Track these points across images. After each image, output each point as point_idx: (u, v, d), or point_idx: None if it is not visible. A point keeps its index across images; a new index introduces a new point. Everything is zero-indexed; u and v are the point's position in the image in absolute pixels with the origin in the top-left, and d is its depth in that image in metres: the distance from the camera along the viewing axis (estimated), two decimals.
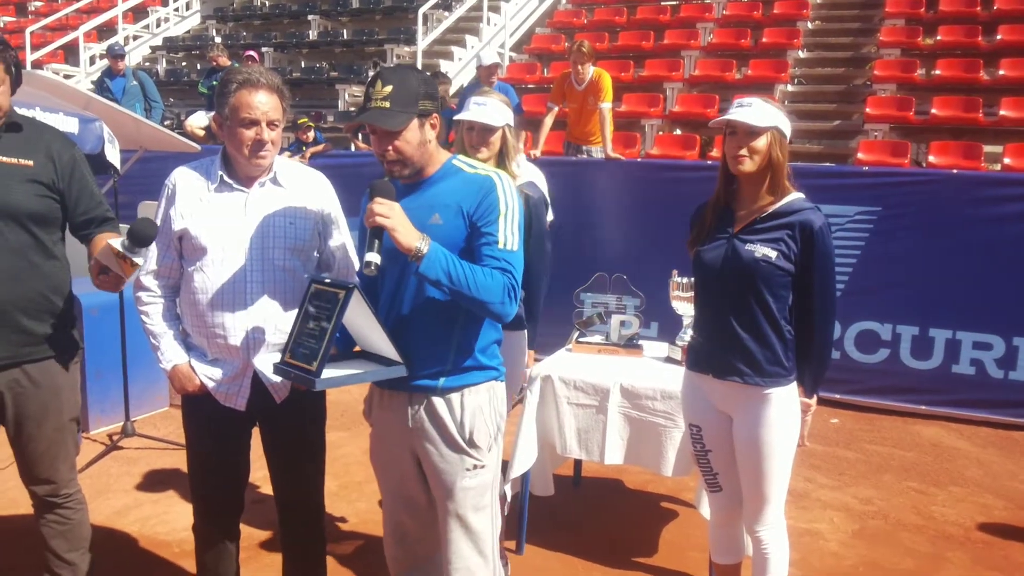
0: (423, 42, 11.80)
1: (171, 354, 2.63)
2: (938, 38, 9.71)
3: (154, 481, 4.50)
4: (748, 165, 2.60)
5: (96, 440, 5.07)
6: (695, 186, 5.50)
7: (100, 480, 4.49)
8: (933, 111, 8.67)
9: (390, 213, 2.16)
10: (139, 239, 2.31)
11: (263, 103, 2.48)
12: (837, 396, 5.97)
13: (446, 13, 12.87)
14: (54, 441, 2.68)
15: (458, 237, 2.28)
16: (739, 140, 2.60)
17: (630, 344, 4.01)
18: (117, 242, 2.31)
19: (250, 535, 3.78)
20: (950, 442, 5.45)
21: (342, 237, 2.73)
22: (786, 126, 2.61)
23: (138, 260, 2.32)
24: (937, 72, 9.24)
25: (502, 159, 3.15)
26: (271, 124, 2.51)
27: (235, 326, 2.56)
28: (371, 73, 11.43)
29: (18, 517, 3.78)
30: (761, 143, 2.58)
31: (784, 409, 2.67)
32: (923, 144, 8.49)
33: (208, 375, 2.62)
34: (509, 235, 2.29)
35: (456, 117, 3.26)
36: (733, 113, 2.61)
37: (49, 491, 2.73)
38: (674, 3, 12.24)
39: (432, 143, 2.34)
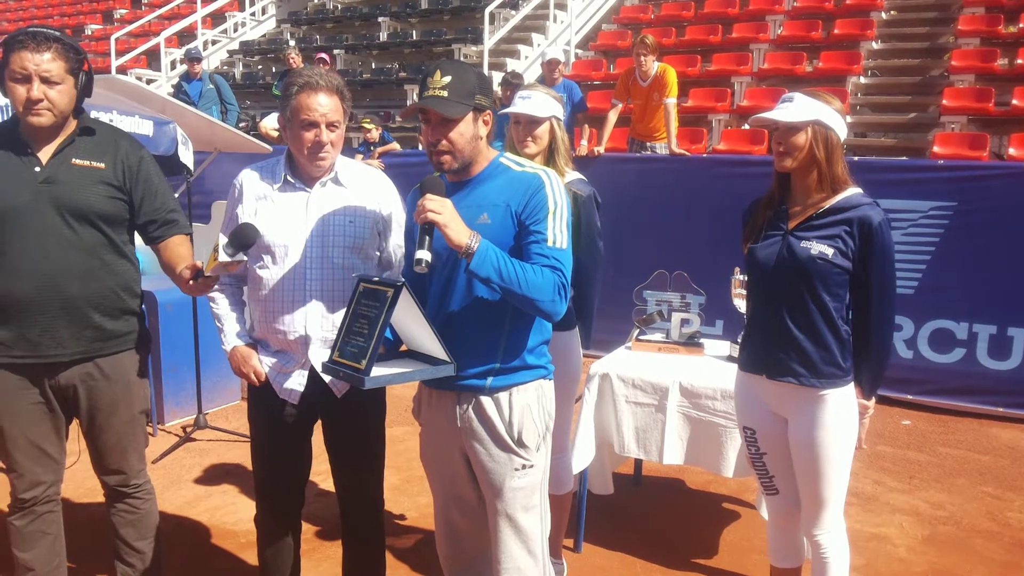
0: (490, 41, 11.85)
1: (231, 336, 2.75)
2: (1020, 26, 9.32)
3: (223, 472, 4.65)
4: (788, 162, 2.57)
5: (170, 432, 5.26)
6: (762, 181, 5.35)
7: (173, 471, 4.66)
8: (1014, 102, 8.34)
9: (442, 209, 2.14)
10: (239, 243, 2.37)
11: (322, 105, 2.53)
12: (909, 397, 5.80)
13: (513, 12, 12.90)
14: (124, 433, 2.79)
15: (507, 236, 2.27)
16: (779, 137, 2.57)
17: (691, 342, 3.95)
18: (223, 253, 2.36)
19: (312, 527, 3.87)
20: None
21: (402, 236, 2.75)
22: (831, 118, 2.54)
23: (241, 258, 2.39)
24: (1020, 61, 8.88)
25: (552, 154, 3.12)
26: (331, 126, 2.57)
27: (294, 322, 2.63)
28: None
29: (95, 505, 3.94)
30: (800, 139, 2.54)
31: (841, 411, 2.61)
32: (1004, 136, 8.18)
33: (269, 367, 2.70)
34: (558, 233, 2.26)
35: (501, 112, 3.21)
36: (771, 112, 2.57)
37: (119, 481, 2.84)
38: None
39: (483, 140, 2.34)
